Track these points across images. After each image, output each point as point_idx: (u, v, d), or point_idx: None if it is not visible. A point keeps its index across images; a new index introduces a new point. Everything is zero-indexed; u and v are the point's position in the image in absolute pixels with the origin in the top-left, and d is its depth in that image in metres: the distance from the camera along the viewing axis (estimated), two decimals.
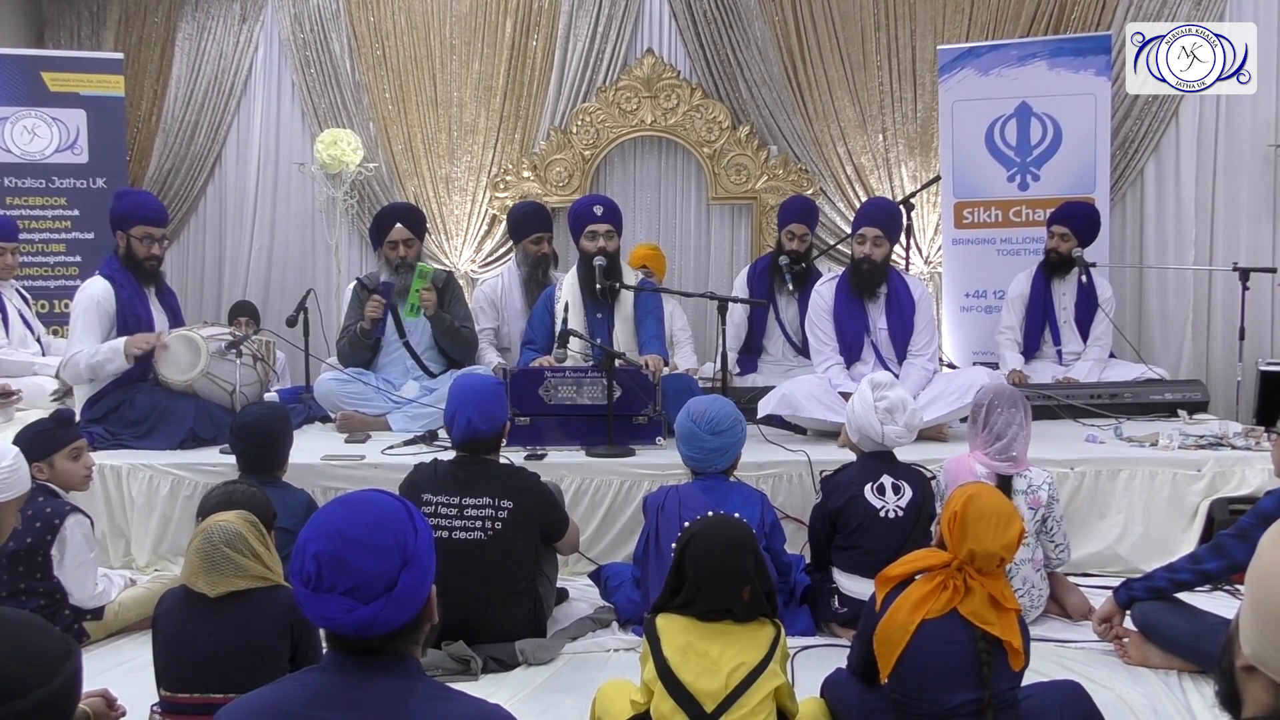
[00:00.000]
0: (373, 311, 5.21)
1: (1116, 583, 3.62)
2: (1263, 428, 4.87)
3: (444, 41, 7.50)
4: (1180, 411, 5.35)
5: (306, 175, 7.47)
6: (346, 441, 4.90)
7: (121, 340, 4.72)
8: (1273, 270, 6.01)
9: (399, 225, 5.28)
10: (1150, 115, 6.87)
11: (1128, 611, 3.49)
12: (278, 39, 7.73)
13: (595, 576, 4.04)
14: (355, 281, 5.52)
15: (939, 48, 6.83)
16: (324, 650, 1.75)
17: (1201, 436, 4.71)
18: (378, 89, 7.56)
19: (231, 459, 4.01)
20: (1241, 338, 5.74)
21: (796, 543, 4.15)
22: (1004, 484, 3.69)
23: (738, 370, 5.73)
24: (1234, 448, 4.59)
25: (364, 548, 1.64)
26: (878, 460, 3.76)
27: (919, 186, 6.96)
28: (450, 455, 3.70)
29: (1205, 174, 6.92)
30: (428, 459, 3.75)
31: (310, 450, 4.57)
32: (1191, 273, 6.89)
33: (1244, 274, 5.66)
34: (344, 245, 7.60)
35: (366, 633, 1.64)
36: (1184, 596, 3.45)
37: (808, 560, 3.95)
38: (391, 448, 4.67)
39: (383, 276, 5.32)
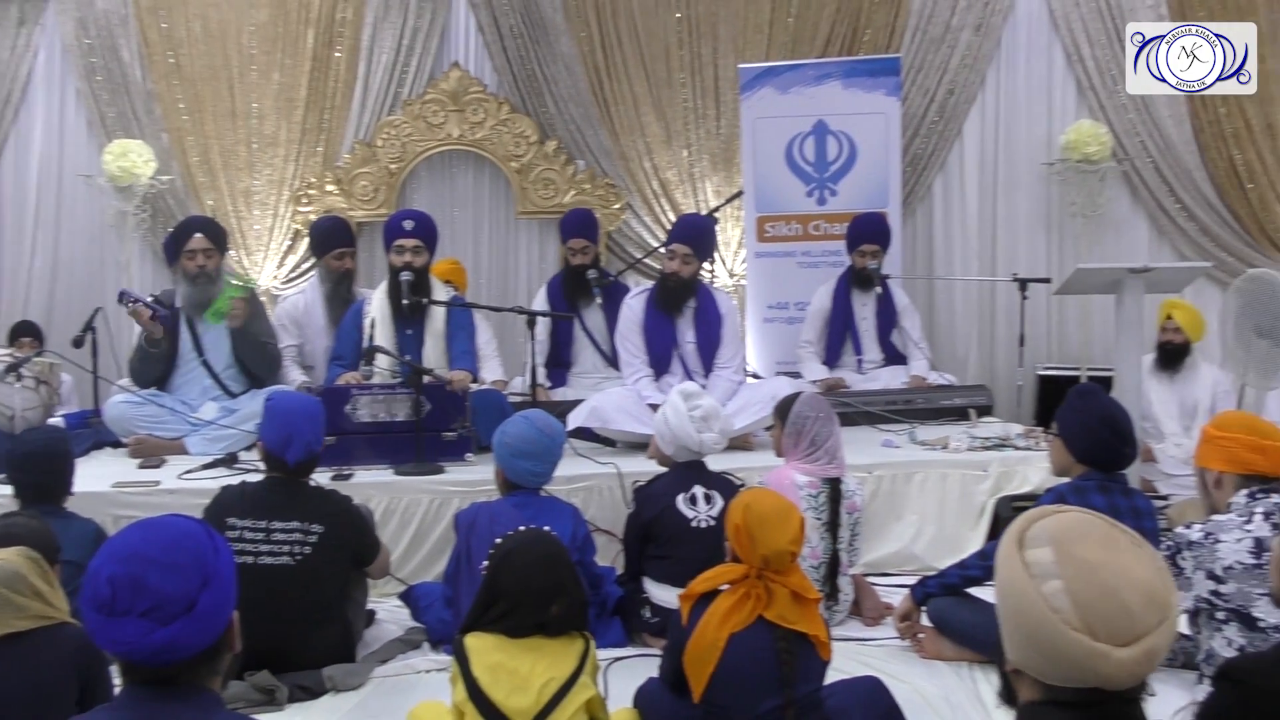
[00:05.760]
0: (141, 320, 4.97)
1: (914, 581, 3.80)
2: (1041, 428, 5.18)
3: (242, 51, 7.25)
4: (970, 412, 5.64)
5: (94, 188, 7.10)
6: (140, 467, 4.68)
7: None
8: (1047, 280, 6.39)
9: (199, 235, 5.12)
10: (937, 134, 7.24)
11: (923, 608, 3.67)
12: (60, 44, 7.32)
13: (405, 597, 3.98)
14: (150, 297, 5.28)
15: (740, 66, 7.01)
16: (115, 689, 1.67)
17: (986, 438, 4.98)
18: (171, 98, 7.24)
19: (9, 489, 3.75)
20: (1021, 344, 6.06)
21: (607, 554, 4.19)
22: (833, 486, 3.83)
23: (548, 384, 5.75)
24: (1016, 448, 4.87)
25: (162, 567, 1.59)
26: (690, 470, 3.83)
27: (722, 201, 7.12)
28: (257, 477, 3.58)
29: (987, 190, 7.34)
30: (228, 482, 3.61)
31: (100, 477, 4.36)
32: (976, 283, 7.28)
33: (1023, 284, 5.97)
34: (136, 262, 7.25)
35: (165, 658, 1.59)
36: (974, 591, 3.63)
37: (619, 572, 3.99)
38: (189, 472, 4.48)
39: (178, 292, 5.12)
